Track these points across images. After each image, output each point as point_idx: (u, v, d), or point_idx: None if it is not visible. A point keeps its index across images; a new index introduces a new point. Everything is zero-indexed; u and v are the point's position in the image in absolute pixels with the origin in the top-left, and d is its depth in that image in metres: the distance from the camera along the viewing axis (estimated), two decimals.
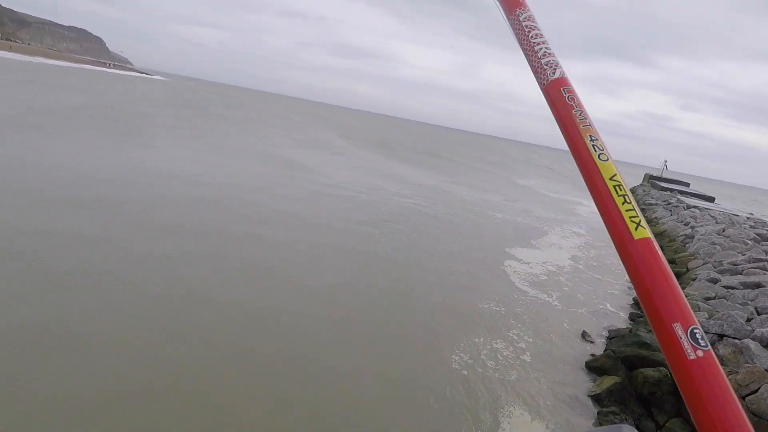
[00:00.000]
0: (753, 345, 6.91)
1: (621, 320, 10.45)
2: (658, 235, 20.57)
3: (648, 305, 0.80)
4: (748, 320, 8.12)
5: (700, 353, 0.75)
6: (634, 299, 11.99)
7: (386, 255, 11.68)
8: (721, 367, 0.75)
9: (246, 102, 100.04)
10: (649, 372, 6.86)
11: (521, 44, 1.06)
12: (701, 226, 19.41)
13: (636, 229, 0.84)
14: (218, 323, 6.75)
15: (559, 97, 0.98)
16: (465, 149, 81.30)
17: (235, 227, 11.15)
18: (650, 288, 0.79)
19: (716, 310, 8.87)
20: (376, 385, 6.16)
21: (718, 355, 7.20)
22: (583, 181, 0.93)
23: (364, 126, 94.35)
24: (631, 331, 9.04)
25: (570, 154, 0.97)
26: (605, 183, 0.88)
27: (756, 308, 8.82)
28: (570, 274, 13.70)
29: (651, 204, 30.43)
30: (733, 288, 10.39)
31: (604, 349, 8.39)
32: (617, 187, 0.88)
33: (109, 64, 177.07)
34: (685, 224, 20.65)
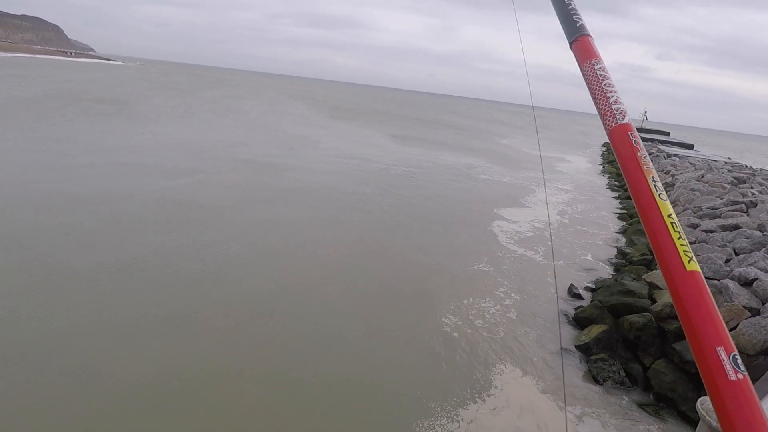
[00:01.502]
0: (732, 284, 7.18)
1: (606, 271, 10.74)
2: None
3: (693, 330, 0.86)
4: (727, 261, 8.41)
5: (740, 376, 0.80)
6: (618, 249, 12.30)
7: (383, 222, 11.75)
8: (755, 393, 0.81)
9: (233, 80, 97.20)
10: (635, 318, 7.11)
11: (592, 90, 1.19)
12: (681, 173, 19.79)
13: (689, 262, 0.93)
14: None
15: (625, 140, 1.10)
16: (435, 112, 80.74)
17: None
18: (696, 315, 0.87)
19: (697, 254, 9.15)
20: (369, 346, 6.32)
21: None
22: (639, 216, 1.03)
23: (345, 98, 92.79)
24: (616, 280, 9.31)
25: (626, 185, 1.08)
26: (663, 220, 0.98)
27: (734, 249, 9.13)
28: (556, 229, 13.95)
29: None
30: (712, 231, 10.70)
31: (590, 300, 8.66)
32: (674, 224, 0.98)
33: (70, 53, 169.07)
34: (666, 173, 21.02)
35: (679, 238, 0.96)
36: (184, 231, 9.71)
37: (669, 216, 0.99)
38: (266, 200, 12.89)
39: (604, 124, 1.15)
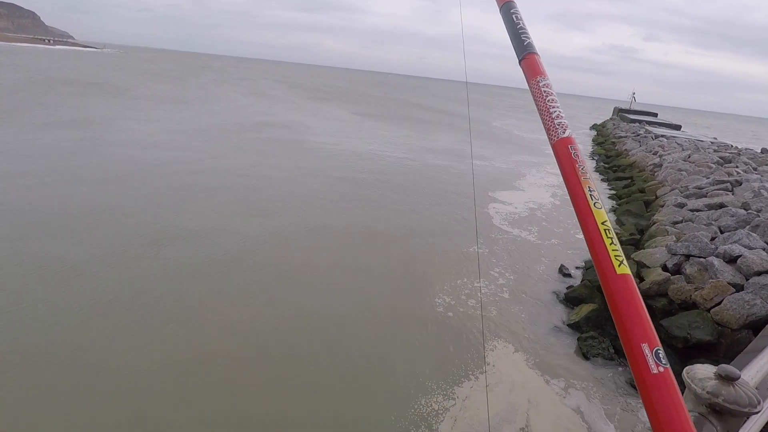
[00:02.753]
0: (717, 262, 7.37)
1: None
2: (629, 167, 21.18)
3: (622, 328, 0.95)
4: (712, 239, 8.60)
5: (661, 369, 0.88)
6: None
7: (384, 205, 11.78)
8: (677, 384, 0.90)
9: (223, 67, 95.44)
10: None
11: (538, 105, 1.27)
12: (668, 154, 20.01)
13: (619, 266, 1.00)
14: None
15: (566, 152, 1.17)
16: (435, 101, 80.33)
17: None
18: (625, 314, 0.95)
19: (683, 233, 9.35)
20: (367, 327, 6.42)
21: (684, 274, 7.61)
22: (579, 223, 1.11)
23: (334, 84, 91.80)
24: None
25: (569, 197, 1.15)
26: (597, 227, 1.05)
27: (719, 227, 9.33)
28: (548, 211, 14.11)
29: (621, 137, 31.02)
30: (698, 210, 10.90)
31: (581, 280, 8.83)
32: (606, 231, 1.05)
33: (48, 41, 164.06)
34: (653, 153, 21.23)
35: (611, 244, 1.02)
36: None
37: (603, 223, 1.05)
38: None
39: (549, 138, 1.23)
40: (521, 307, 7.74)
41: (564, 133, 1.20)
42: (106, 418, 4.47)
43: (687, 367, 1.24)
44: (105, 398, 4.69)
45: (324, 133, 24.24)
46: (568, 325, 7.28)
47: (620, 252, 1.03)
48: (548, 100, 1.25)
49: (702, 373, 1.19)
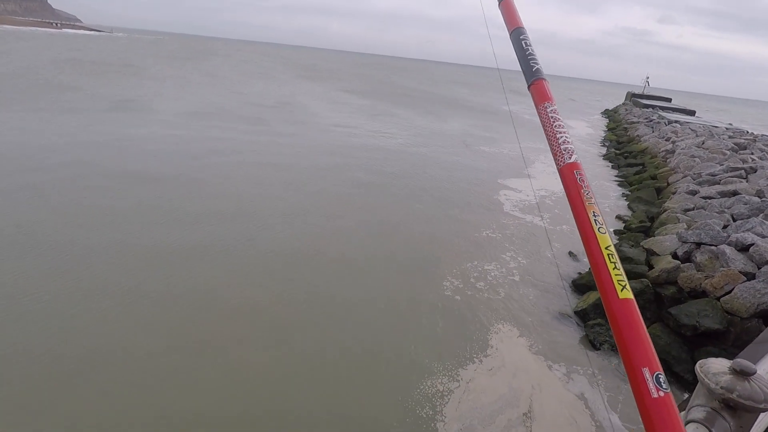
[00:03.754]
0: (728, 250, 7.26)
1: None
2: (640, 153, 20.83)
3: (624, 351, 0.96)
4: (725, 227, 8.47)
5: (661, 393, 0.89)
6: (616, 217, 12.37)
7: (388, 192, 11.76)
8: (677, 408, 0.90)
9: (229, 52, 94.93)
10: (632, 284, 7.22)
11: (546, 130, 1.29)
12: (681, 140, 19.63)
13: (621, 290, 1.02)
14: None
15: (571, 177, 1.19)
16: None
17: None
18: (627, 338, 0.96)
19: (694, 221, 9.22)
20: (378, 309, 6.46)
21: (694, 262, 7.52)
22: (583, 246, 1.12)
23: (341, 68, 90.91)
24: (615, 247, 9.41)
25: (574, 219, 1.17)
26: (601, 251, 1.06)
27: (732, 215, 9.17)
28: (559, 198, 13.98)
29: (633, 122, 30.46)
30: (710, 198, 10.73)
31: (589, 268, 8.77)
32: (610, 256, 1.06)
33: (56, 24, 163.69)
34: (666, 140, 20.85)
35: (614, 269, 1.04)
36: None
37: (607, 248, 1.07)
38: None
39: (556, 162, 1.24)
40: (530, 290, 7.76)
41: (570, 158, 1.21)
42: (122, 396, 4.57)
43: (700, 361, 1.21)
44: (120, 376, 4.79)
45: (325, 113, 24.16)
46: (575, 312, 7.26)
47: (623, 277, 1.04)
48: (555, 126, 1.27)
49: (716, 367, 1.17)
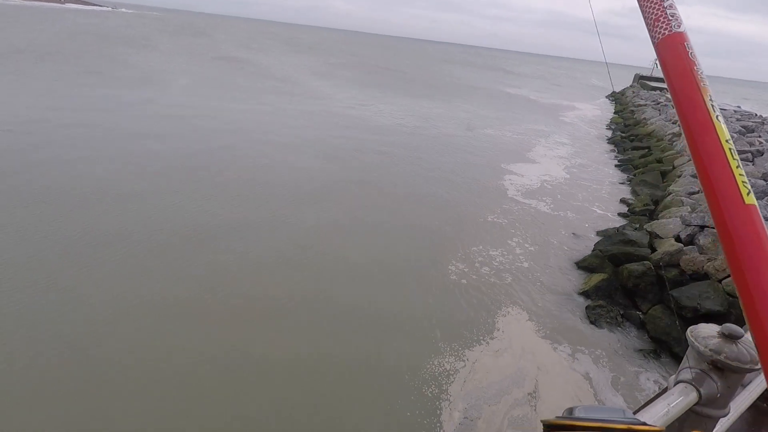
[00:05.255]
0: None
1: (609, 221, 10.88)
2: (646, 136, 20.66)
3: (750, 272, 0.77)
4: None
5: None
6: (621, 200, 12.38)
7: (390, 181, 11.82)
8: None
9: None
10: (634, 266, 7.31)
11: None
12: None
13: (748, 194, 0.82)
14: None
15: (680, 51, 0.93)
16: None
17: None
18: (755, 255, 0.77)
19: (699, 204, 9.24)
20: (386, 286, 6.60)
21: (697, 245, 7.53)
22: (688, 143, 0.89)
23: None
24: (618, 230, 9.46)
25: (675, 111, 0.93)
26: (721, 145, 0.85)
27: None
28: (563, 182, 13.98)
29: (640, 105, 30.10)
30: None
31: (592, 250, 8.84)
32: (732, 151, 0.85)
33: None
34: (673, 123, 20.64)
35: (737, 167, 0.83)
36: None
37: (727, 141, 0.85)
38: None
39: (651, 36, 0.96)
40: (536, 274, 7.87)
41: (679, 27, 0.94)
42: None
43: (691, 327, 1.28)
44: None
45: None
46: (578, 293, 7.37)
47: (746, 178, 0.85)
48: None
49: (706, 331, 1.24)
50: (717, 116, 0.87)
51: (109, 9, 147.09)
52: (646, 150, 18.16)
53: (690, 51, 0.92)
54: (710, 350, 1.19)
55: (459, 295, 6.93)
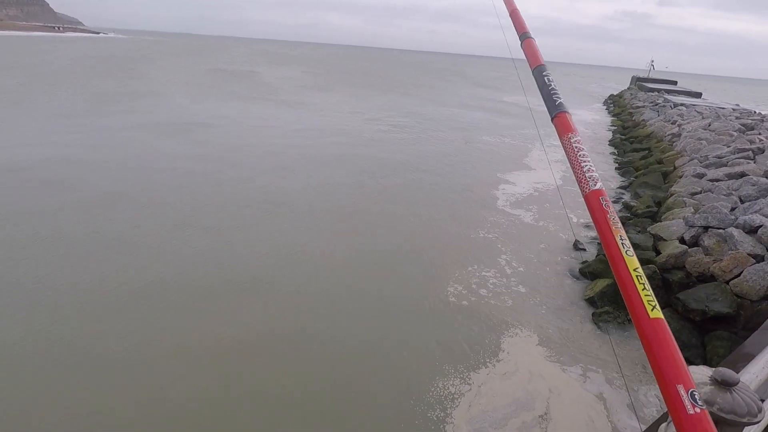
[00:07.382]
0: (736, 233, 7.17)
1: None
2: (646, 137, 20.58)
3: (657, 370, 0.98)
4: (732, 209, 8.37)
5: (697, 410, 0.90)
6: (624, 204, 12.27)
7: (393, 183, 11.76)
8: (713, 424, 0.91)
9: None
10: None
11: (570, 160, 1.37)
12: (688, 123, 19.36)
13: (652, 310, 1.03)
14: None
15: (598, 204, 1.25)
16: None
17: None
18: (659, 357, 0.98)
19: (702, 204, 9.12)
20: (385, 309, 6.48)
21: (702, 246, 7.41)
22: (612, 270, 1.16)
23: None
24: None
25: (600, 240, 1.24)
26: (630, 273, 1.10)
27: (740, 197, 9.06)
28: (559, 189, 13.87)
29: (638, 107, 30.08)
30: (718, 180, 10.59)
31: (596, 255, 8.72)
32: (638, 277, 1.09)
33: (59, 28, 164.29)
34: (672, 123, 20.58)
35: (643, 289, 1.06)
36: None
37: (635, 270, 1.10)
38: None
39: (581, 190, 1.31)
40: (539, 282, 7.75)
41: (595, 185, 1.27)
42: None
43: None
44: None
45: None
46: (584, 299, 7.23)
47: (652, 297, 1.07)
48: (580, 155, 1.34)
49: (697, 377, 1.13)
50: (626, 251, 1.14)
51: (112, 35, 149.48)
52: (647, 151, 18.07)
53: (605, 202, 1.25)
54: (702, 400, 1.08)
55: (465, 303, 6.80)
